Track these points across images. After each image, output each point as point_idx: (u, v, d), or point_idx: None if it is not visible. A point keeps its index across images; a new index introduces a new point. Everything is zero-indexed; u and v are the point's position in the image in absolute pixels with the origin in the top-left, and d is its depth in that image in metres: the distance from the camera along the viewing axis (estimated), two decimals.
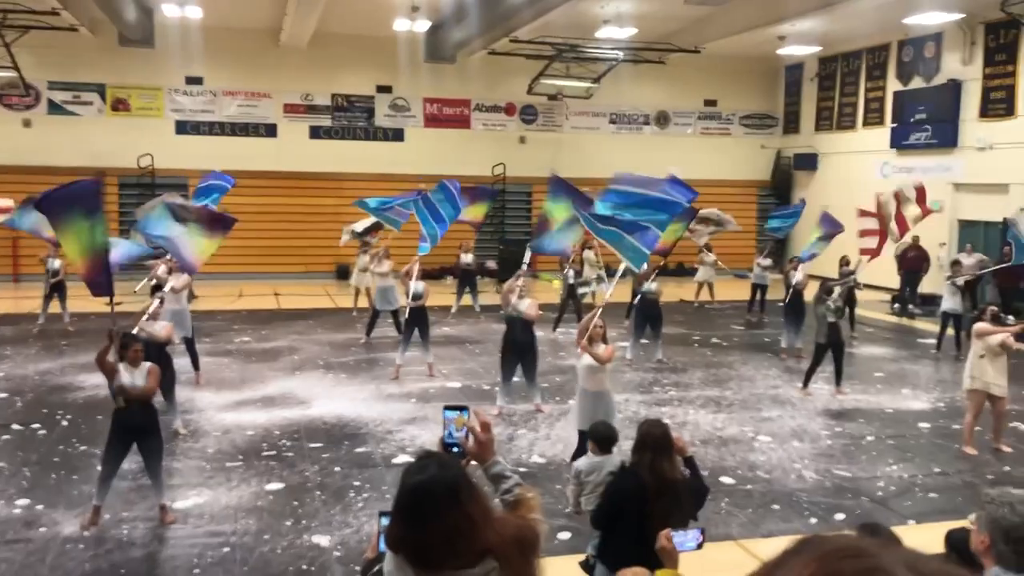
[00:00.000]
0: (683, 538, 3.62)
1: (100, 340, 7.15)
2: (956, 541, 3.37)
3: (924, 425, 9.90)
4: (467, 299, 17.19)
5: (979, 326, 8.92)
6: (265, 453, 8.50)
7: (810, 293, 13.76)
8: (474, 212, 13.30)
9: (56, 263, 14.85)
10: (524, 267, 10.71)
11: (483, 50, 21.13)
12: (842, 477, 8.07)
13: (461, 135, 23.25)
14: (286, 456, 8.42)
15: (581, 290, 15.73)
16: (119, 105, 21.28)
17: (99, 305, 13.45)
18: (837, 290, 11.04)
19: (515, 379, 10.14)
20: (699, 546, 3.66)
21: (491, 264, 20.06)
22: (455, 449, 2.59)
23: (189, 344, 11.11)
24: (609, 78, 22.14)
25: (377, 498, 7.26)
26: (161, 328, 8.88)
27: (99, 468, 6.86)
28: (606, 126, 24.33)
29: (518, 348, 9.90)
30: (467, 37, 19.95)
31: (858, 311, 15.31)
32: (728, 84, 24.40)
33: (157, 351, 8.55)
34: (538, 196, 23.77)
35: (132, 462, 7.05)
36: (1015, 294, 16.32)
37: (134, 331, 7.69)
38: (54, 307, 14.71)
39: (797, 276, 13.35)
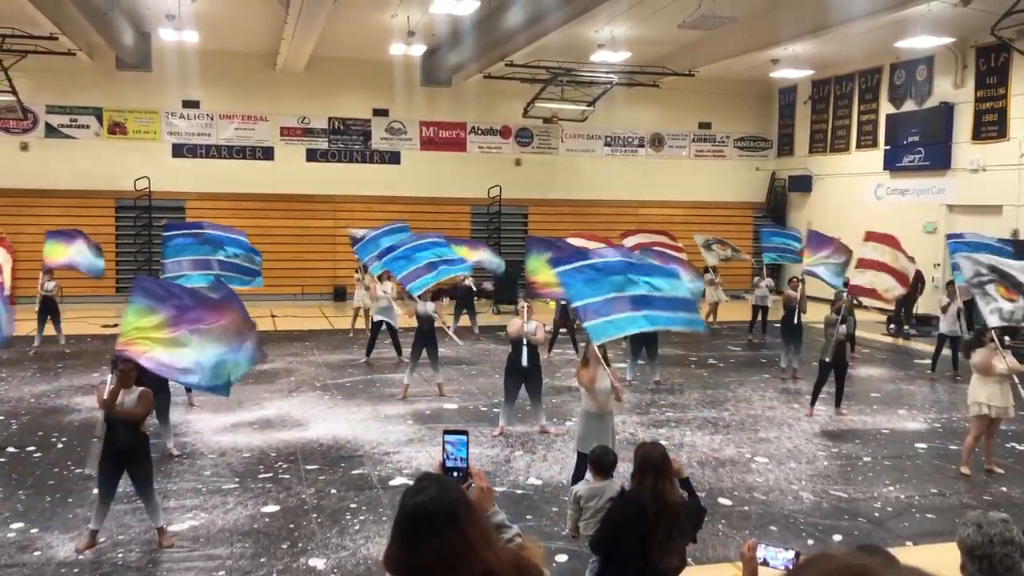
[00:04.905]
0: (773, 555, 3.43)
1: (96, 362, 7.12)
2: None
3: (921, 446, 9.90)
4: (464, 320, 17.21)
5: (978, 361, 8.82)
6: (261, 475, 8.47)
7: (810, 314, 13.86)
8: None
9: (50, 284, 14.87)
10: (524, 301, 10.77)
11: (479, 74, 21.27)
12: (839, 498, 8.07)
13: (457, 158, 23.36)
14: (282, 478, 8.39)
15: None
16: (116, 128, 21.36)
17: (94, 328, 13.47)
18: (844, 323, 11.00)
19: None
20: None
21: (488, 285, 20.09)
22: (455, 473, 2.59)
23: None
24: (604, 101, 22.29)
25: (374, 520, 7.24)
26: None
27: (95, 491, 6.83)
28: (601, 148, 24.47)
29: (522, 370, 9.89)
30: (463, 61, 20.09)
31: (856, 332, 15.35)
32: (722, 106, 24.57)
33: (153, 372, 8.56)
34: (534, 217, 23.90)
35: (127, 485, 7.02)
36: None
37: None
38: (49, 329, 14.67)
39: (796, 296, 13.48)
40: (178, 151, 21.74)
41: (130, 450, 6.64)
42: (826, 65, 21.68)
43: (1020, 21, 14.72)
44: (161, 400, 8.86)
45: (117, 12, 16.63)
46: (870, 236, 11.95)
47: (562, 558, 6.45)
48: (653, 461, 4.61)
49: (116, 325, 7.87)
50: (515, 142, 23.86)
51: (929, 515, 7.67)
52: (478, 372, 13.54)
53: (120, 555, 6.54)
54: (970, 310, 15.42)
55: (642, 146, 24.77)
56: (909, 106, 20.34)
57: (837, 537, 7.09)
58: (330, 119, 22.60)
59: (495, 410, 10.71)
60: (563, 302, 15.61)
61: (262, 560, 6.47)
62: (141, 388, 6.84)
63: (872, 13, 15.16)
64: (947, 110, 19.03)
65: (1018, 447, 9.76)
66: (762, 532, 7.17)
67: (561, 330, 15.04)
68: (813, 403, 11.20)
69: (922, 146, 19.64)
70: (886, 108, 21.07)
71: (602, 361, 7.45)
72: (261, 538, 6.90)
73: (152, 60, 20.17)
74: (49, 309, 14.68)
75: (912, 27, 15.84)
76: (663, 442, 6.60)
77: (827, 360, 10.88)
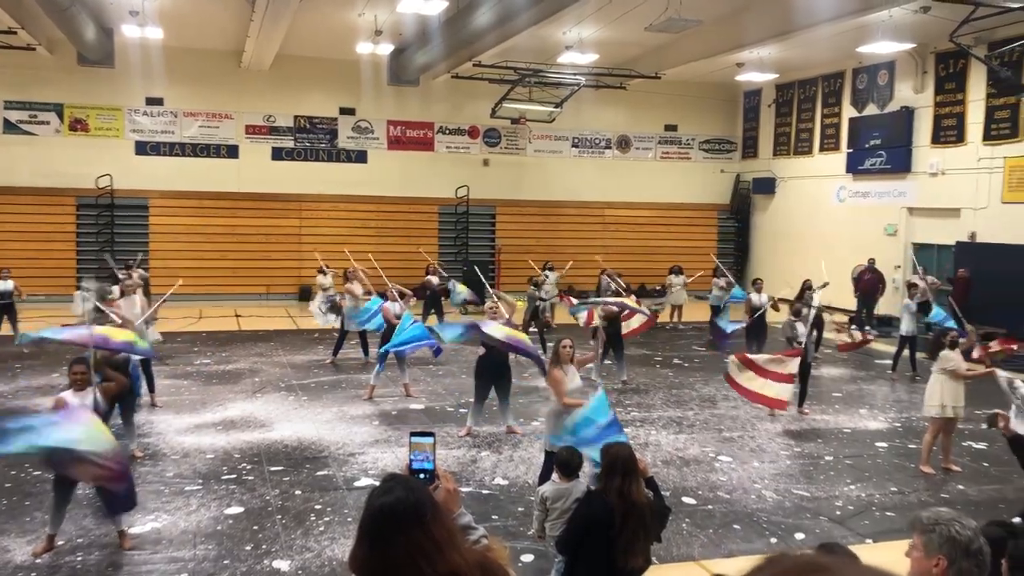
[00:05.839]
0: None
1: (55, 362, 6.98)
2: None
3: (881, 445, 10.06)
4: (432, 320, 17.14)
5: (948, 363, 8.93)
6: (225, 477, 8.39)
7: (774, 315, 14.00)
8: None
9: (9, 284, 14.61)
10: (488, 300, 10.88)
11: (447, 74, 21.23)
12: (801, 497, 8.17)
13: (425, 157, 23.29)
14: (246, 480, 8.32)
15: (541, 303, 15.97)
16: (77, 125, 21.01)
17: (53, 327, 13.12)
18: (804, 313, 11.16)
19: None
20: None
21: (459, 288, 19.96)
22: (422, 474, 2.59)
23: (145, 365, 10.95)
24: (571, 102, 22.36)
25: (339, 522, 7.20)
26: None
27: (52, 495, 6.71)
28: (568, 149, 24.55)
29: (494, 371, 9.90)
30: (431, 61, 20.03)
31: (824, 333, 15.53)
32: (688, 109, 24.76)
33: (123, 372, 8.47)
34: (501, 217, 23.91)
35: (85, 488, 6.91)
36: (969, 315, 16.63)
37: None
38: (5, 329, 14.39)
39: (760, 298, 13.58)
40: (141, 148, 21.43)
41: None
42: (790, 69, 21.94)
43: (977, 28, 15.00)
44: (128, 401, 8.77)
45: (79, 7, 16.35)
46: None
47: (528, 558, 6.46)
48: (621, 462, 4.64)
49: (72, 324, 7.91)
50: (483, 142, 23.85)
51: (889, 513, 7.80)
52: (445, 372, 13.52)
53: (79, 558, 6.44)
54: (927, 310, 15.71)
55: (609, 148, 24.89)
56: (871, 110, 20.65)
57: (799, 535, 7.19)
58: (296, 117, 22.42)
59: (462, 410, 10.71)
60: (537, 303, 15.78)
61: (226, 562, 6.41)
62: (101, 384, 6.75)
63: (835, 18, 15.36)
64: (908, 114, 19.36)
65: (975, 446, 9.95)
66: (725, 531, 7.25)
67: (531, 329, 15.06)
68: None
69: (883, 149, 19.96)
70: (848, 112, 21.37)
71: (571, 361, 7.50)
72: (225, 540, 6.83)
73: (115, 56, 19.85)
74: (5, 309, 14.43)
75: (874, 32, 16.08)
76: (628, 441, 6.63)
77: None
